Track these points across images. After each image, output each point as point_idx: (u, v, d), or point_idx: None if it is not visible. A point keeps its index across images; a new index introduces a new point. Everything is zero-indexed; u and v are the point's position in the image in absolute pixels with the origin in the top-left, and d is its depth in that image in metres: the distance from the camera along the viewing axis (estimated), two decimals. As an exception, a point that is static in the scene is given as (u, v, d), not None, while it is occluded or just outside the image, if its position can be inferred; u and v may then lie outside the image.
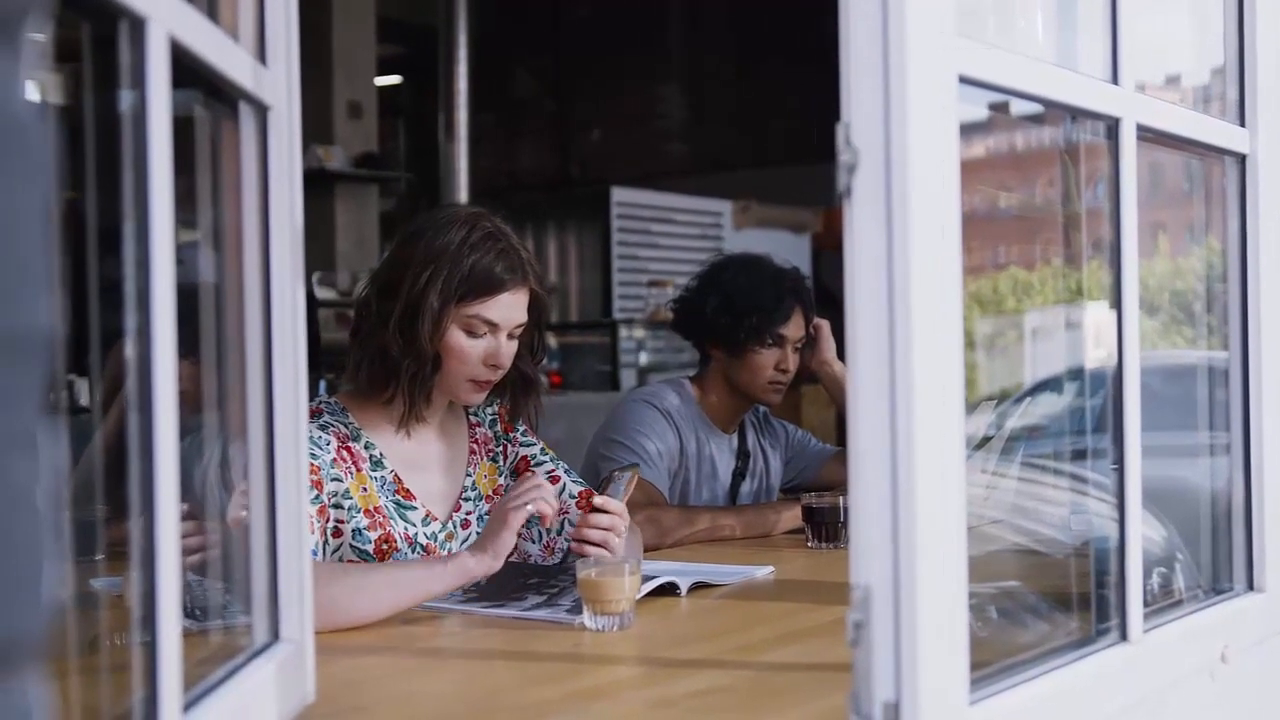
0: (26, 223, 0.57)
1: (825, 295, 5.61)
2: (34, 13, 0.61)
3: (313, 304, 4.44)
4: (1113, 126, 1.54)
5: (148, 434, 1.00)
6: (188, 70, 1.11)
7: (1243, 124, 1.83)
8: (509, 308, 2.23)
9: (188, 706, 1.08)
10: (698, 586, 2.20)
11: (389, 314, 2.19)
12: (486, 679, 1.68)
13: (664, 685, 1.62)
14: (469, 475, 2.36)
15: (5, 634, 0.57)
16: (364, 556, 2.17)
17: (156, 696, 1.01)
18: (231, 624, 1.42)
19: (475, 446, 2.39)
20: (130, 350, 1.01)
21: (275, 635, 1.38)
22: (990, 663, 1.34)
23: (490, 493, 2.38)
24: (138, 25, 0.99)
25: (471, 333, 2.21)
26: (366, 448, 2.24)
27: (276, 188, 1.37)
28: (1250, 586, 1.83)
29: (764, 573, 2.37)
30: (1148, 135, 1.59)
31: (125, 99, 1.01)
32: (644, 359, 7.46)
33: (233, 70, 1.24)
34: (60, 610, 0.59)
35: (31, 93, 0.61)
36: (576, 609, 1.92)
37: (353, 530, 2.17)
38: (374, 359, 2.22)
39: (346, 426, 2.24)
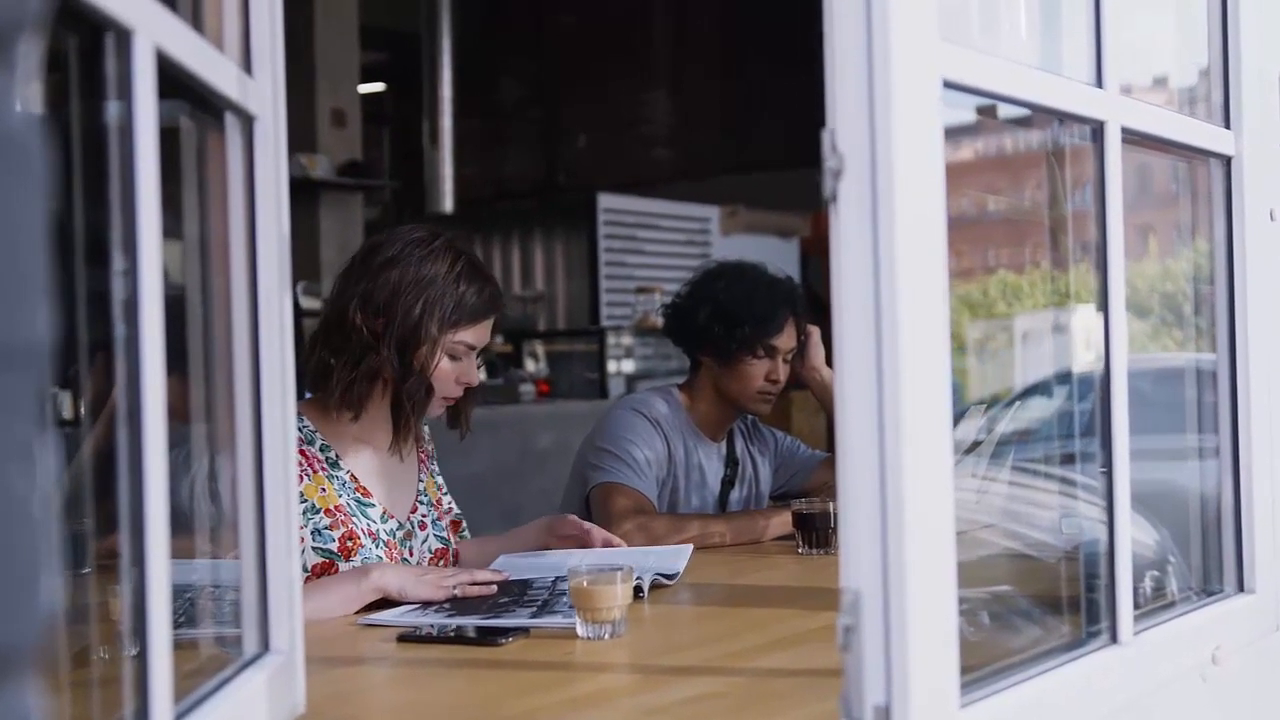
0: (26, 235, 0.58)
1: (813, 300, 5.60)
2: (29, 26, 0.61)
3: (298, 314, 4.48)
4: (1098, 130, 1.54)
5: (136, 446, 1.00)
6: (172, 80, 1.10)
7: (1228, 126, 1.83)
8: (488, 332, 2.37)
9: (178, 718, 1.08)
10: (658, 586, 2.23)
11: (378, 336, 2.25)
12: (478, 688, 1.68)
13: (657, 692, 1.62)
14: (420, 481, 2.47)
15: (4, 642, 0.57)
16: (328, 557, 2.20)
17: (148, 708, 1.00)
18: (220, 634, 1.41)
19: (424, 456, 2.51)
20: (118, 362, 1.00)
21: (265, 646, 1.37)
22: (981, 666, 1.34)
23: (434, 501, 2.48)
24: (124, 36, 0.99)
25: (453, 357, 2.32)
26: (322, 450, 2.30)
27: (263, 198, 1.37)
28: (1240, 588, 1.83)
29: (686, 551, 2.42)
30: (1132, 138, 1.59)
31: (111, 109, 1.01)
32: (632, 366, 7.44)
33: (218, 81, 1.24)
34: (56, 620, 0.59)
35: (27, 105, 0.61)
36: (573, 613, 1.91)
37: (313, 531, 2.22)
38: (364, 380, 2.28)
39: (300, 430, 2.27)
